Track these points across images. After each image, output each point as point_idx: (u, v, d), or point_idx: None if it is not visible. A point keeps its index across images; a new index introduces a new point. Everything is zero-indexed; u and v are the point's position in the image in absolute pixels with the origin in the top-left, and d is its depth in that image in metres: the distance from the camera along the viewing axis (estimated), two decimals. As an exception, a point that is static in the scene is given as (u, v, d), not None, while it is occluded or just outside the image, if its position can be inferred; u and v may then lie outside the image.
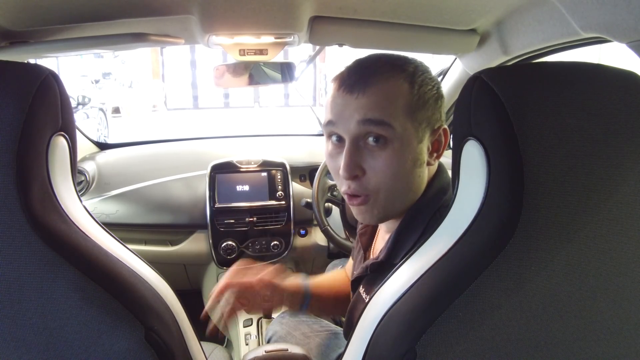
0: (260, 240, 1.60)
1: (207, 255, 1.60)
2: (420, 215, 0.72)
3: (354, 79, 0.68)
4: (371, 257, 0.86)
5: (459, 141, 0.45)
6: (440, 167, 0.76)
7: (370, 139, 0.67)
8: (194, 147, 1.91)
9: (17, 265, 0.43)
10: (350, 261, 1.11)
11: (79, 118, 6.25)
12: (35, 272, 0.44)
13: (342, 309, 1.09)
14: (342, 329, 1.04)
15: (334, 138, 0.72)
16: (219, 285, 0.89)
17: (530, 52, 1.00)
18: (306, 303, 0.96)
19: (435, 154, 0.73)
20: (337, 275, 1.10)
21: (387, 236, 0.78)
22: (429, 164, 0.72)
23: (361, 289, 0.79)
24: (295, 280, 0.97)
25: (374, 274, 0.77)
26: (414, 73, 0.69)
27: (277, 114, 11.93)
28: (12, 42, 0.87)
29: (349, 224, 1.49)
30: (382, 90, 0.67)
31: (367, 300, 0.75)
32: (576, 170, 0.39)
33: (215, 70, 1.23)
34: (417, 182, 0.71)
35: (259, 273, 0.91)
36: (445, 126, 0.73)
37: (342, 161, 0.69)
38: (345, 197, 0.73)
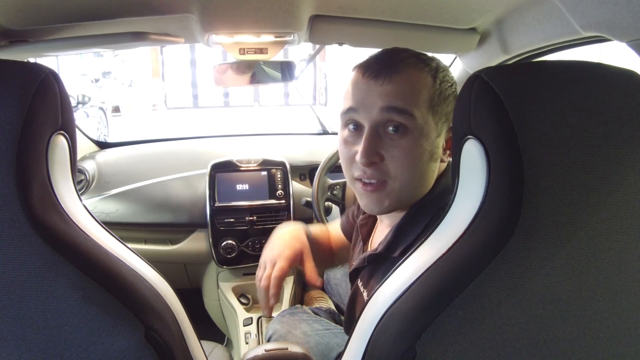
0: (260, 239, 1.60)
1: (207, 254, 1.60)
2: (424, 211, 0.72)
3: (381, 66, 0.68)
4: (369, 249, 0.86)
5: (458, 140, 0.45)
6: (449, 164, 0.77)
7: (390, 128, 0.68)
8: (193, 146, 1.91)
9: (17, 265, 0.43)
10: (338, 221, 1.14)
11: (79, 117, 6.24)
12: (35, 271, 0.44)
13: (327, 261, 1.13)
14: (342, 328, 1.04)
15: (351, 126, 0.72)
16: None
17: (530, 51, 1.00)
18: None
19: (448, 152, 0.74)
20: (325, 230, 1.15)
21: (387, 229, 0.78)
22: (441, 160, 0.73)
23: (359, 282, 0.79)
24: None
25: (372, 266, 0.77)
26: (437, 69, 0.70)
27: (277, 113, 11.92)
28: (12, 41, 0.87)
29: (349, 223, 1.49)
30: (407, 79, 0.67)
31: (365, 294, 0.76)
32: (576, 169, 0.39)
33: (215, 69, 1.23)
34: (430, 176, 0.72)
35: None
36: None
37: (359, 147, 0.69)
38: (358, 184, 0.73)
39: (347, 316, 0.87)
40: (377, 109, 0.67)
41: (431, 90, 0.68)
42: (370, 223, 0.90)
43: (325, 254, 1.09)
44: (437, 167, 0.73)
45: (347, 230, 1.07)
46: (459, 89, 0.45)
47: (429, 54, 0.74)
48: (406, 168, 0.68)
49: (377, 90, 0.67)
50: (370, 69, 0.69)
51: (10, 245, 0.43)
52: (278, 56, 1.11)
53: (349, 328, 0.61)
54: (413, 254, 0.50)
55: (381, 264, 0.74)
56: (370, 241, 0.89)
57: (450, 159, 0.75)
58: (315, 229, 1.10)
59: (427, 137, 0.68)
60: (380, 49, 0.75)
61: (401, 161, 0.68)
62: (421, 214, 0.72)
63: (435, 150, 0.70)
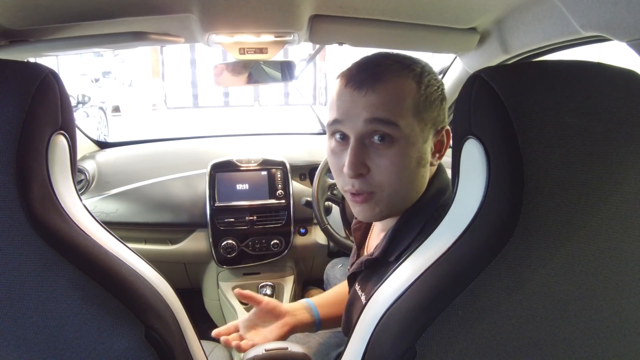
0: (260, 239, 1.60)
1: (207, 254, 1.60)
2: (418, 214, 0.72)
3: (363, 76, 0.67)
4: (365, 253, 0.86)
5: (458, 140, 0.45)
6: (440, 167, 0.76)
7: (376, 138, 0.67)
8: (193, 146, 1.91)
9: (17, 264, 0.43)
10: None
11: (79, 117, 6.25)
12: (35, 271, 0.44)
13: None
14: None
15: (337, 136, 0.72)
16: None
17: (530, 50, 1.00)
18: (317, 326, 0.97)
19: (437, 154, 0.73)
20: (343, 288, 1.08)
21: (382, 233, 0.78)
22: (431, 164, 0.72)
23: (357, 286, 0.79)
24: (301, 308, 0.97)
25: (369, 271, 0.77)
26: (422, 73, 0.69)
27: (277, 112, 11.92)
28: (12, 41, 0.87)
29: (349, 223, 1.49)
30: (391, 88, 0.66)
31: (362, 298, 0.76)
32: (576, 169, 0.39)
33: (215, 69, 1.23)
34: (420, 181, 0.71)
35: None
36: (448, 127, 0.73)
37: (346, 159, 0.68)
38: (348, 195, 0.72)
39: (345, 320, 0.87)
40: (362, 120, 0.66)
41: (416, 97, 0.67)
42: (364, 227, 0.90)
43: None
44: (427, 172, 0.72)
45: None
46: (459, 89, 0.45)
47: (413, 56, 0.73)
48: (394, 177, 0.68)
49: (360, 101, 0.66)
50: (352, 80, 0.68)
51: (10, 245, 0.43)
52: (278, 56, 1.11)
53: (347, 331, 0.61)
54: (413, 253, 0.50)
55: (378, 269, 0.74)
56: (366, 245, 0.88)
57: (440, 162, 0.75)
58: (326, 301, 1.05)
59: (413, 145, 0.67)
60: (362, 57, 0.73)
61: (388, 171, 0.67)
62: (416, 217, 0.72)
63: (422, 157, 0.69)
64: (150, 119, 11.13)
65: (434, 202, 0.71)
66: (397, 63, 0.69)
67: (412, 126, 0.67)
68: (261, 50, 1.07)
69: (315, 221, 1.55)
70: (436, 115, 0.70)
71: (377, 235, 0.83)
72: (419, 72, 0.69)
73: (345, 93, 0.69)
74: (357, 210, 0.74)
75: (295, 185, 1.68)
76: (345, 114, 0.68)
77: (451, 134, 0.73)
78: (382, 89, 0.66)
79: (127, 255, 0.53)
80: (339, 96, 0.70)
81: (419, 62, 0.71)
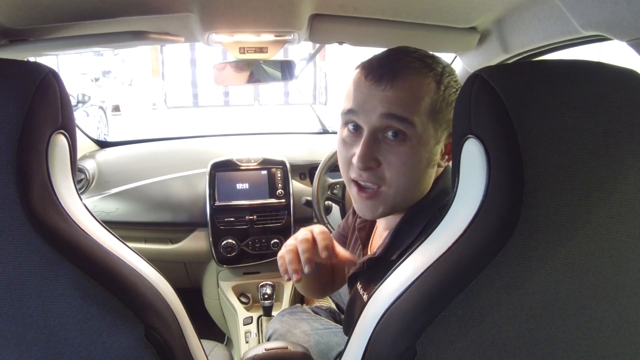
0: (260, 239, 1.60)
1: (207, 253, 1.60)
2: (421, 214, 0.72)
3: (383, 70, 0.67)
4: (368, 253, 0.86)
5: (458, 139, 0.45)
6: (446, 167, 0.76)
7: (389, 133, 0.67)
8: (194, 145, 1.91)
9: (17, 264, 0.43)
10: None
11: (79, 116, 6.24)
12: (36, 270, 0.44)
13: (328, 284, 1.06)
14: (342, 326, 1.04)
15: (350, 126, 0.71)
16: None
17: (530, 50, 1.00)
18: (317, 267, 0.88)
19: (447, 156, 0.73)
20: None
21: (385, 233, 0.78)
22: (439, 165, 0.72)
23: (358, 286, 0.79)
24: None
25: (371, 270, 0.77)
26: (442, 74, 0.69)
27: (277, 112, 11.92)
28: (12, 40, 0.87)
29: (349, 222, 1.49)
30: (410, 86, 0.66)
31: (365, 298, 0.76)
32: (576, 168, 0.39)
33: (215, 69, 1.23)
34: (426, 181, 0.71)
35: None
36: None
37: (356, 150, 0.68)
38: (353, 187, 0.72)
39: (346, 319, 0.87)
40: (377, 114, 0.66)
41: (434, 98, 0.67)
42: (368, 227, 0.89)
43: (326, 276, 1.04)
44: (434, 172, 0.72)
45: (341, 240, 1.03)
46: None
47: (436, 55, 0.72)
48: (402, 175, 0.68)
49: (378, 95, 0.66)
50: (373, 72, 0.67)
51: (11, 244, 0.43)
52: (278, 55, 1.11)
53: (348, 330, 0.61)
54: (413, 253, 0.50)
55: (380, 268, 0.74)
56: (369, 245, 0.88)
57: (449, 164, 0.75)
58: None
59: (425, 145, 0.67)
60: (385, 49, 0.73)
61: (397, 168, 0.67)
62: (418, 217, 0.72)
63: (432, 157, 0.69)
64: (150, 118, 11.12)
65: (438, 202, 0.71)
66: (419, 61, 0.68)
67: (426, 126, 0.66)
68: (261, 50, 1.07)
69: (315, 220, 1.55)
70: (452, 118, 0.69)
71: (380, 235, 0.83)
72: (440, 72, 0.68)
73: (363, 85, 0.68)
74: (359, 206, 0.73)
75: (295, 185, 1.68)
76: (361, 106, 0.68)
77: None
78: (401, 86, 0.66)
79: (127, 254, 0.53)
80: (356, 87, 0.69)
81: (440, 62, 0.70)
